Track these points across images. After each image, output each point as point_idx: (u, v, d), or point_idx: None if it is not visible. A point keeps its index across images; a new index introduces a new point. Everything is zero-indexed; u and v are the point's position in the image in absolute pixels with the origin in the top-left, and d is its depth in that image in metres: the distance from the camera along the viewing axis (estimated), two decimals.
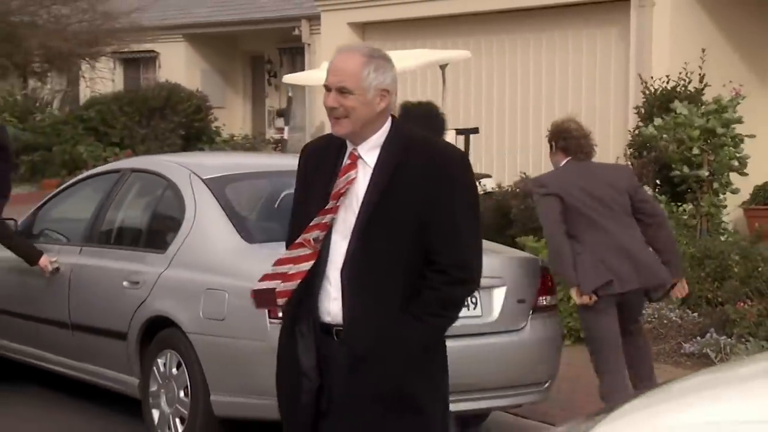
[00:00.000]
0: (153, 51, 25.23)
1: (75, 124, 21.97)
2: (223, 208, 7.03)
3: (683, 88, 11.35)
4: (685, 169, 10.44)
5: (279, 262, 4.02)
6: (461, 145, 13.02)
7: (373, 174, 3.99)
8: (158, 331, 7.01)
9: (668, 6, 13.43)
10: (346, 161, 4.03)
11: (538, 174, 8.38)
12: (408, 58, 13.26)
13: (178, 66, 24.84)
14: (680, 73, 11.37)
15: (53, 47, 20.27)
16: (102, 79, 24.27)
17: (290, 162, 5.74)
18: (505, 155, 15.19)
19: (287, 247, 4.14)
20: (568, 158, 7.24)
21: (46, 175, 21.24)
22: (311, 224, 3.99)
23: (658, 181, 10.92)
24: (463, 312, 6.78)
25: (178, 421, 6.83)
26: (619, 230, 7.07)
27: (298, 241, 4.00)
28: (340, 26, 17.94)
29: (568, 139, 7.24)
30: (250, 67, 25.34)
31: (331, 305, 3.99)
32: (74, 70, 24.08)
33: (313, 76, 14.11)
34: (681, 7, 13.49)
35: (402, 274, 3.94)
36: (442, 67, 13.27)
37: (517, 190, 10.99)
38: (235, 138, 21.70)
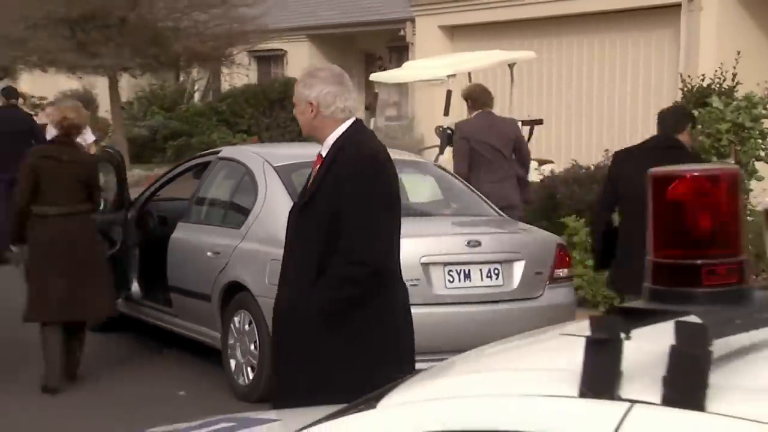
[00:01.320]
0: (281, 49, 25.78)
1: (210, 115, 22.69)
2: (288, 191, 7.33)
3: (718, 86, 11.31)
4: (714, 159, 10.43)
5: None
6: (526, 135, 13.16)
7: (317, 170, 4.36)
8: (235, 294, 7.34)
9: (714, 10, 13.35)
10: (316, 160, 4.42)
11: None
12: (481, 58, 13.44)
13: (303, 62, 25.26)
14: (716, 72, 11.34)
15: (193, 48, 20.90)
16: (238, 74, 24.94)
17: None
18: (562, 143, 15.29)
19: None
20: (478, 111, 9.04)
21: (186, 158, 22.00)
22: None
23: None
24: (487, 282, 7.17)
25: (249, 369, 7.17)
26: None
27: None
28: (432, 29, 18.14)
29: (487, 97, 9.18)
30: (365, 63, 25.64)
31: None
32: (215, 67, 24.74)
33: (394, 75, 14.33)
34: (726, 11, 13.40)
35: (317, 254, 4.23)
36: (510, 65, 13.37)
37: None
38: None
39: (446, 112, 12.10)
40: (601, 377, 1.93)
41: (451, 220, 7.75)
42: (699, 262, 1.96)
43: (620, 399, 1.91)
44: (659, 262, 2.00)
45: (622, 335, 1.94)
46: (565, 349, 2.13)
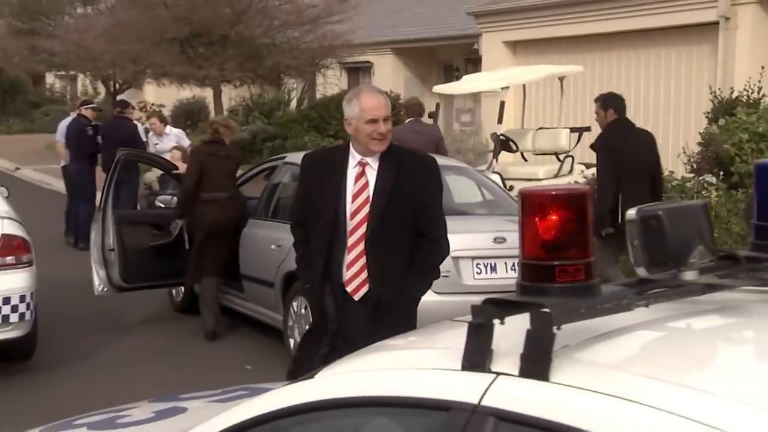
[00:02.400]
0: (368, 62, 26.10)
1: (301, 121, 23.11)
2: None
3: (747, 98, 11.27)
4: (737, 162, 10.42)
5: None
6: (574, 141, 13.24)
7: (380, 175, 4.59)
8: (293, 282, 7.58)
9: (749, 28, 13.26)
10: (358, 168, 4.62)
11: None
12: (533, 71, 13.54)
13: (387, 73, 25.61)
14: (745, 85, 11.31)
15: (285, 62, 21.36)
16: (330, 84, 25.35)
17: None
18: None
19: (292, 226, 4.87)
20: (411, 119, 10.41)
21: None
22: (355, 226, 4.57)
23: (722, 173, 10.91)
24: (512, 274, 7.39)
25: None
26: None
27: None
28: (497, 43, 18.24)
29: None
30: (443, 73, 25.80)
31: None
32: (311, 77, 25.14)
33: (454, 87, 14.53)
34: (760, 29, 13.29)
35: (406, 244, 4.56)
36: (560, 78, 13.45)
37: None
38: None
39: (500, 121, 12.28)
40: (476, 354, 2.20)
41: (481, 219, 7.96)
42: (554, 263, 2.20)
43: (489, 371, 2.17)
44: (526, 263, 2.25)
45: (496, 321, 2.21)
46: (456, 332, 2.39)
